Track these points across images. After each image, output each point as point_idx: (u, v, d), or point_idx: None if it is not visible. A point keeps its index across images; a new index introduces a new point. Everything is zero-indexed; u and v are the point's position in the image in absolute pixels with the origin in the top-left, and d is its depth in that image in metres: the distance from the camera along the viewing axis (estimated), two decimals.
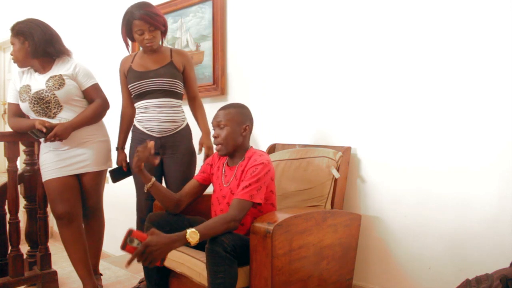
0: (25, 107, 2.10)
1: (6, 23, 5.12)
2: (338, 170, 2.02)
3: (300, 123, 2.37)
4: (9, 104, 2.18)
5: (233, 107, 1.83)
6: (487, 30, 1.75)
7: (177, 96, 2.21)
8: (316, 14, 2.29)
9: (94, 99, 2.17)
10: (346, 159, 2.06)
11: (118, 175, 2.35)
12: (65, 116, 2.10)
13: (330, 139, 2.23)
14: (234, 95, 2.68)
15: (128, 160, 2.32)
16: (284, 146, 2.35)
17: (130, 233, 1.44)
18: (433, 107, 1.90)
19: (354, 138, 2.15)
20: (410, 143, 1.97)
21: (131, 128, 2.31)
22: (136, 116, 2.25)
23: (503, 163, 1.72)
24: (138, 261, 1.44)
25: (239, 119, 1.79)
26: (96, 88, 2.19)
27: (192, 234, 1.51)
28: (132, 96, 2.25)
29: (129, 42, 2.25)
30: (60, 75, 2.10)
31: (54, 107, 2.08)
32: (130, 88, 2.21)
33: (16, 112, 2.16)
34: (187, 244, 1.52)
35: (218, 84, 2.73)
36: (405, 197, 1.98)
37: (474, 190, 1.79)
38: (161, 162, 2.22)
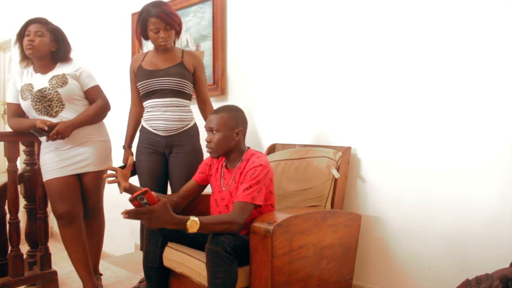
0: (26, 105, 2.11)
1: (6, 23, 5.14)
2: (338, 170, 2.02)
3: (300, 123, 2.37)
4: (9, 104, 2.18)
5: (225, 111, 1.81)
6: (487, 30, 1.75)
7: (185, 96, 2.20)
8: (316, 14, 2.29)
9: (95, 99, 2.19)
10: (346, 159, 2.06)
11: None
12: (66, 115, 2.10)
13: (330, 139, 2.23)
14: (234, 95, 2.68)
15: (134, 159, 2.32)
16: (284, 146, 2.35)
17: (145, 192, 1.47)
18: (433, 107, 1.90)
19: (354, 138, 2.15)
20: (410, 143, 1.97)
21: (139, 128, 2.31)
22: (144, 115, 2.25)
23: (503, 163, 1.72)
24: (134, 218, 1.47)
25: (231, 124, 1.78)
26: (98, 89, 2.21)
27: (193, 223, 1.52)
28: (140, 95, 2.24)
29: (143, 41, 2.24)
30: (63, 74, 2.12)
31: (56, 106, 2.09)
32: (138, 86, 2.21)
33: (16, 112, 2.16)
34: (185, 230, 1.53)
35: (218, 84, 2.73)
36: (405, 197, 1.98)
37: (474, 190, 1.79)
38: (166, 161, 2.22)
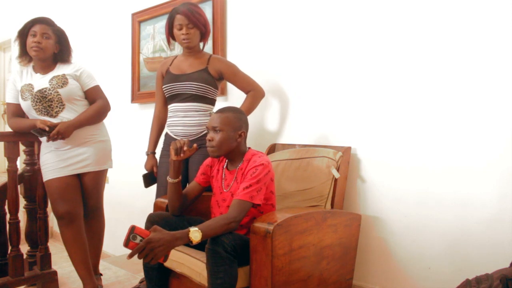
0: (26, 105, 2.11)
1: (6, 23, 5.14)
2: (338, 170, 2.02)
3: (300, 123, 2.37)
4: (8, 104, 2.18)
5: (230, 111, 1.80)
6: (487, 29, 1.75)
7: (207, 101, 2.20)
8: (316, 14, 2.29)
9: (95, 99, 2.19)
10: (346, 159, 2.06)
11: (150, 180, 2.38)
12: (66, 115, 2.10)
13: (330, 139, 2.23)
14: (234, 95, 2.68)
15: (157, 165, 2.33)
16: (284, 146, 2.35)
17: (132, 229, 1.44)
18: (433, 107, 1.90)
19: (354, 138, 2.15)
20: (410, 143, 1.97)
21: (164, 133, 2.34)
22: (167, 121, 2.29)
23: (503, 163, 1.72)
24: (139, 257, 1.44)
25: (235, 125, 1.77)
26: (98, 89, 2.22)
27: (195, 233, 1.51)
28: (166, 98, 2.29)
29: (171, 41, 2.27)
30: (64, 74, 2.12)
31: (57, 106, 2.09)
32: (163, 89, 2.25)
33: (15, 112, 2.16)
34: (188, 243, 1.52)
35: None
36: (405, 197, 1.98)
37: (474, 190, 1.79)
38: (186, 164, 2.22)
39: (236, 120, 1.78)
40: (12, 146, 2.21)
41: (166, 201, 1.93)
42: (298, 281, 1.68)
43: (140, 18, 3.32)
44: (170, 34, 2.22)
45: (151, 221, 1.82)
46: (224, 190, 1.84)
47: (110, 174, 2.37)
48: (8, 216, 2.30)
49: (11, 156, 2.21)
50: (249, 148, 1.86)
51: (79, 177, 2.19)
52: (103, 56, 3.77)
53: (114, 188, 3.45)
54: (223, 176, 1.87)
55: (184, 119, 2.18)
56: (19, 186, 2.30)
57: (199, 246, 1.76)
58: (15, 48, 2.26)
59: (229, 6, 2.71)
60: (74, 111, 2.13)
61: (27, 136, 2.20)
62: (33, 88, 2.09)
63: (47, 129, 1.98)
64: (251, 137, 2.44)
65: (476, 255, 1.79)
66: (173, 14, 2.16)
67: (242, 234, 1.70)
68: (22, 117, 2.17)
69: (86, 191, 2.21)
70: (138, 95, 3.37)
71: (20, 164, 2.43)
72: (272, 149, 2.39)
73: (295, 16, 2.38)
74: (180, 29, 2.13)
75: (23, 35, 2.12)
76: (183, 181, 2.16)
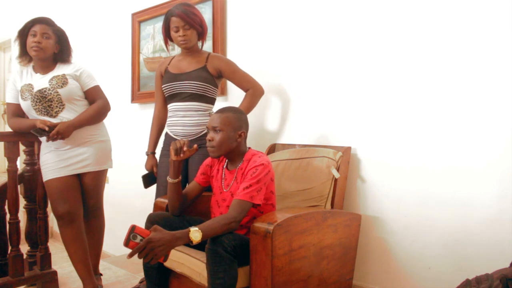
0: (26, 105, 2.11)
1: (6, 23, 5.13)
2: (338, 170, 2.02)
3: (300, 123, 2.37)
4: (8, 104, 2.18)
5: (230, 111, 1.80)
6: (487, 29, 1.75)
7: (207, 100, 2.21)
8: (315, 14, 2.29)
9: (95, 99, 2.19)
10: (346, 159, 2.06)
11: (150, 180, 2.38)
12: (66, 115, 2.10)
13: (330, 139, 2.23)
14: (234, 95, 2.68)
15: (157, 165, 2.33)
16: (284, 146, 2.35)
17: (133, 229, 1.44)
18: (433, 107, 1.90)
19: (354, 138, 2.15)
20: (410, 143, 1.97)
21: (164, 133, 2.35)
22: (167, 120, 2.29)
23: (503, 163, 1.72)
24: (139, 257, 1.44)
25: (235, 125, 1.77)
26: (98, 89, 2.22)
27: (195, 233, 1.51)
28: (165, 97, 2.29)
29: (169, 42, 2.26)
30: (63, 74, 2.12)
31: (57, 106, 2.09)
32: (163, 89, 2.25)
33: (15, 112, 2.17)
34: (188, 243, 1.52)
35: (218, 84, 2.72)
36: (405, 197, 1.98)
37: (474, 190, 1.79)
38: (186, 164, 2.22)
39: (236, 120, 1.78)
40: (12, 146, 2.21)
41: (166, 201, 1.93)
42: (298, 281, 1.68)
43: (140, 18, 3.32)
44: (168, 37, 2.22)
45: (151, 221, 1.82)
46: (224, 190, 1.84)
47: (110, 174, 2.37)
48: (8, 216, 2.30)
49: (11, 156, 2.21)
50: (249, 148, 1.86)
51: (79, 177, 2.19)
52: (103, 56, 3.77)
53: (114, 188, 3.45)
54: (223, 176, 1.87)
55: (183, 119, 2.18)
56: (19, 186, 2.30)
57: (199, 246, 1.76)
58: (15, 48, 2.26)
59: (229, 6, 2.71)
60: (74, 111, 2.13)
61: (27, 136, 2.20)
62: (33, 88, 2.09)
63: (47, 129, 1.98)
64: (251, 137, 2.44)
65: (476, 255, 1.79)
66: (168, 16, 2.15)
67: (242, 234, 1.70)
68: (22, 117, 2.18)
69: (86, 191, 2.21)
70: (138, 95, 3.37)
71: (20, 164, 2.43)
72: (272, 149, 2.39)
73: (295, 16, 2.38)
74: (177, 31, 2.13)
75: (23, 35, 2.12)
76: (183, 181, 2.16)
